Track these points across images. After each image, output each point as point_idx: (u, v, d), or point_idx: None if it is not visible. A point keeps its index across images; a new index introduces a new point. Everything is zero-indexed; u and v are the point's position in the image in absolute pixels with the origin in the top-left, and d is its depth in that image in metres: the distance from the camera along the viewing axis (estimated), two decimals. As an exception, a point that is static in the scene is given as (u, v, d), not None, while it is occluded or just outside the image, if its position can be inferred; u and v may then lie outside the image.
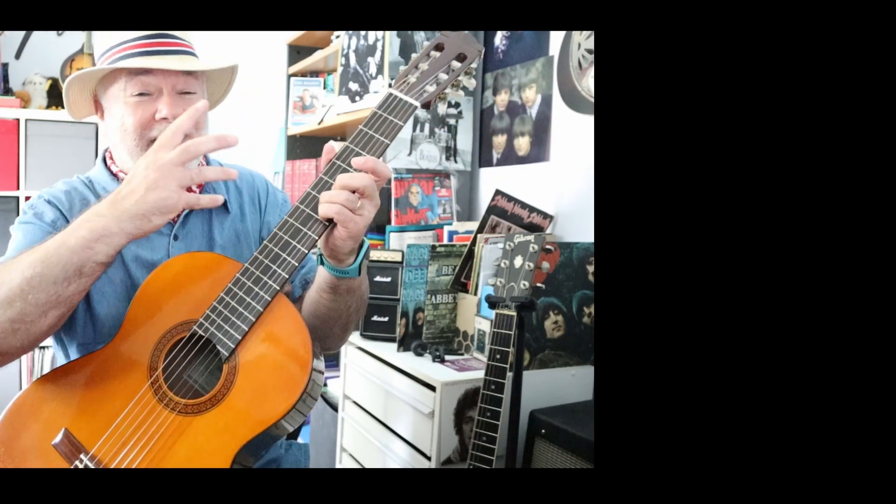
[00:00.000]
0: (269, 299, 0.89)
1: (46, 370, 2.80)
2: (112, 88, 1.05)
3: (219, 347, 0.88)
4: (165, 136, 0.88)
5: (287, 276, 0.89)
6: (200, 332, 0.90)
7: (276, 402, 0.87)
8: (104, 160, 1.13)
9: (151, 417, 0.87)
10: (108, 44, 1.05)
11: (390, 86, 1.00)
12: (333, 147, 0.94)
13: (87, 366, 0.91)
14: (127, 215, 0.85)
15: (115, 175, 1.10)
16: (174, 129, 0.89)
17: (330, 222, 0.90)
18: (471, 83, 1.00)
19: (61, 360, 1.09)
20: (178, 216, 1.09)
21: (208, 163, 1.18)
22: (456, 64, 0.98)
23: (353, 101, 2.26)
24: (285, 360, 0.89)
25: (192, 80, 1.06)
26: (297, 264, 0.90)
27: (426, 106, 0.96)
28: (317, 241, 0.91)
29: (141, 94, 1.03)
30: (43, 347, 2.84)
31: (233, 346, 0.88)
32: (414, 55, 1.01)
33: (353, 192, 0.89)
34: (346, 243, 0.92)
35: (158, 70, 1.02)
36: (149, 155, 0.87)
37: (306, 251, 0.90)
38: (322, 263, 0.98)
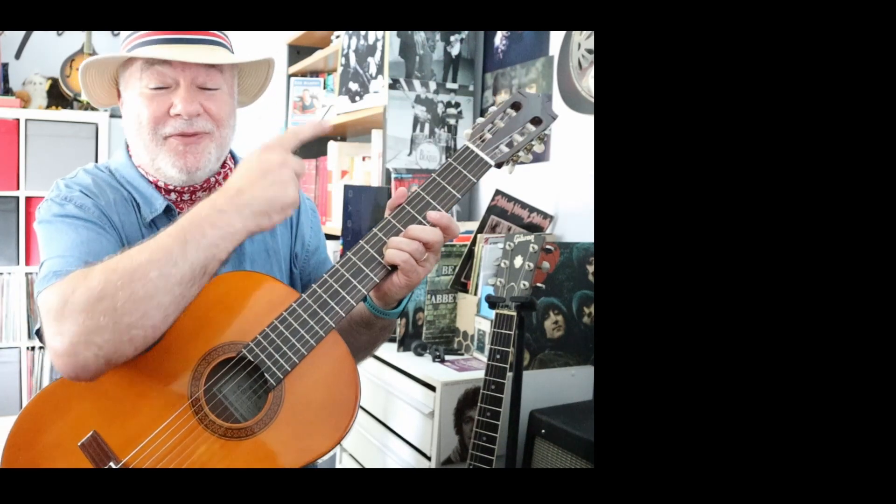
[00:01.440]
0: (324, 335, 0.87)
1: (46, 370, 2.81)
2: (130, 78, 1.00)
3: (266, 375, 0.86)
4: (283, 137, 0.87)
5: (344, 315, 0.88)
6: (250, 357, 0.87)
7: (320, 440, 0.86)
8: (128, 153, 1.07)
9: (190, 437, 0.85)
10: (128, 32, 1.00)
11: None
12: (405, 192, 0.94)
13: (123, 370, 0.87)
14: (250, 212, 0.83)
15: (136, 168, 1.04)
16: (294, 132, 0.88)
17: (393, 268, 0.90)
18: (540, 147, 0.99)
19: None
20: None
21: (237, 164, 1.10)
22: (530, 127, 0.97)
23: (353, 101, 2.26)
24: (332, 399, 0.88)
25: (215, 73, 1.00)
26: (355, 304, 0.89)
27: (499, 166, 0.96)
28: (377, 283, 0.90)
29: (158, 87, 0.98)
30: (43, 347, 2.83)
31: (281, 377, 0.86)
32: (492, 109, 1.01)
33: (423, 244, 0.89)
34: (401, 291, 0.93)
35: (177, 61, 0.97)
36: (262, 152, 0.86)
37: (366, 293, 0.89)
38: (364, 300, 0.98)
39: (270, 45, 2.98)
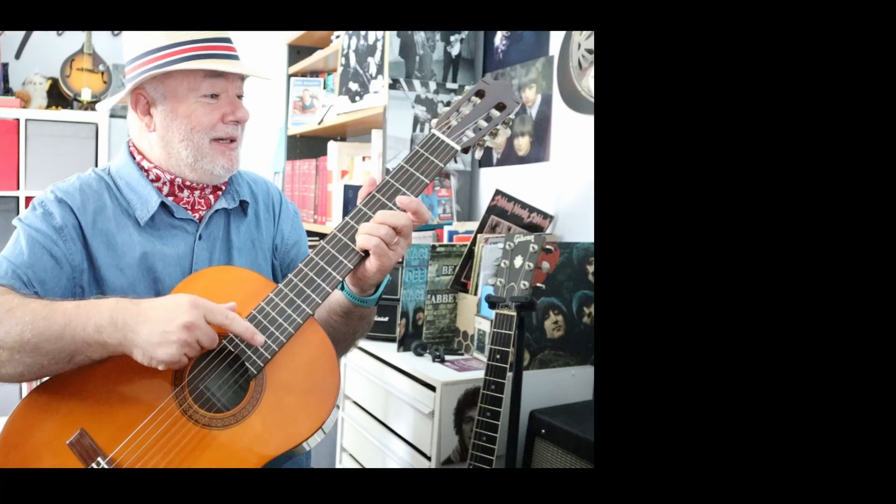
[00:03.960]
0: (301, 322, 0.90)
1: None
2: (178, 87, 1.05)
3: (247, 364, 0.89)
4: (217, 311, 0.86)
5: (321, 302, 0.92)
6: (230, 347, 0.90)
7: (302, 424, 0.88)
8: (130, 154, 1.11)
9: (175, 428, 0.87)
10: (158, 42, 1.03)
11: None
12: (375, 179, 0.99)
13: (107, 366, 0.90)
14: (133, 347, 0.85)
15: (146, 171, 1.08)
16: (228, 319, 0.86)
17: (366, 254, 0.94)
18: (506, 132, 1.03)
19: None
20: (203, 217, 1.11)
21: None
22: (495, 113, 1.02)
23: (353, 101, 2.26)
24: (313, 383, 0.91)
25: (241, 84, 1.10)
26: (330, 290, 0.92)
27: (465, 150, 1.00)
28: (351, 269, 0.94)
29: (212, 95, 1.05)
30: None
31: (262, 365, 0.89)
32: (456, 98, 1.05)
33: (392, 228, 0.93)
34: (375, 276, 0.97)
35: (229, 74, 1.06)
36: (188, 304, 0.85)
37: (341, 279, 0.93)
38: (342, 289, 1.02)
39: (270, 45, 2.98)
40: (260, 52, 2.98)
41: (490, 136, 1.01)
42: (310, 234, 1.40)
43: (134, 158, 1.10)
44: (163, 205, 1.07)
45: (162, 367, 0.85)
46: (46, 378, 0.90)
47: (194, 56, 1.03)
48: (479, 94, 1.03)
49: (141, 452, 0.85)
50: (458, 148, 0.98)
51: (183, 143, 1.06)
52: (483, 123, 1.00)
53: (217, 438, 0.87)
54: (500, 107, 1.02)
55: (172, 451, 0.85)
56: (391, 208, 0.95)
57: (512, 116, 1.02)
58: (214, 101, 1.06)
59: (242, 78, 1.10)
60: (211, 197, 1.12)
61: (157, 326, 0.83)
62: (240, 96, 1.10)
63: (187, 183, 1.09)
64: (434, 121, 1.02)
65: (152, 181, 1.08)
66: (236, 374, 0.92)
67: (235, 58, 1.08)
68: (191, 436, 0.86)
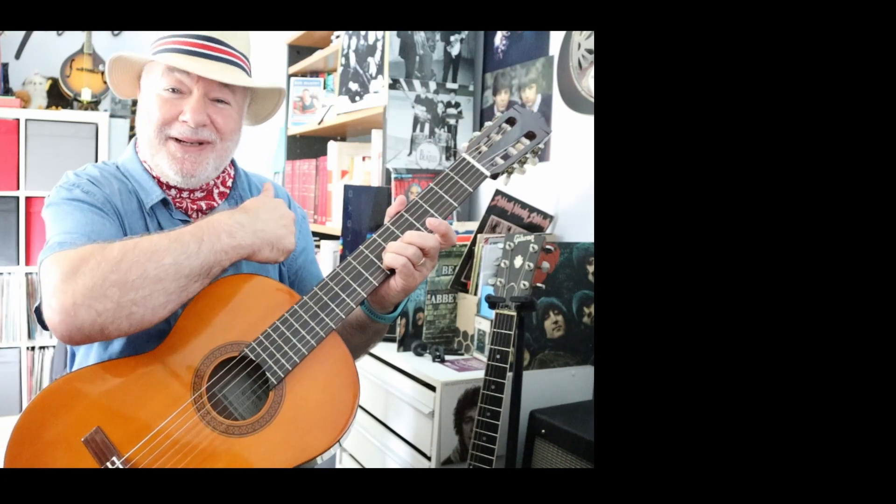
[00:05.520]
0: (324, 336, 0.91)
1: (46, 370, 2.81)
2: (150, 77, 1.05)
3: (268, 374, 0.89)
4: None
5: (344, 317, 0.92)
6: (252, 356, 0.90)
7: (319, 438, 0.88)
8: (135, 149, 1.11)
9: (192, 433, 0.86)
10: (160, 33, 1.04)
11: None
12: (404, 199, 0.99)
13: (128, 367, 0.90)
14: (261, 238, 0.95)
15: (141, 163, 1.08)
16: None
17: (391, 272, 0.95)
18: (534, 161, 1.04)
19: (78, 360, 1.07)
20: None
21: (236, 172, 1.17)
22: (525, 141, 1.03)
23: (353, 101, 2.26)
24: (331, 398, 0.91)
25: (227, 90, 1.05)
26: (354, 306, 0.93)
27: (494, 177, 1.01)
28: (376, 286, 0.95)
29: (173, 91, 1.02)
30: (43, 347, 2.84)
31: (282, 376, 0.89)
32: (487, 123, 1.06)
33: (420, 249, 0.93)
34: (398, 295, 0.97)
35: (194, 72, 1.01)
36: (277, 201, 1.00)
37: (365, 295, 0.94)
38: (362, 304, 1.01)
39: (270, 45, 2.98)
40: (260, 52, 2.98)
41: (518, 165, 1.02)
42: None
43: (137, 154, 1.10)
44: (164, 201, 1.07)
45: (284, 255, 0.97)
46: (64, 373, 0.90)
47: (169, 49, 1.02)
48: (510, 121, 1.04)
49: (157, 454, 0.85)
50: (488, 174, 0.99)
51: (143, 132, 1.06)
52: (513, 151, 1.02)
53: (233, 447, 0.87)
54: (530, 136, 1.03)
55: (188, 456, 0.85)
56: (419, 229, 0.95)
57: (542, 146, 1.03)
58: (177, 96, 1.02)
59: (225, 84, 1.03)
60: (203, 203, 1.10)
61: (278, 220, 0.97)
62: (220, 101, 1.04)
63: (171, 184, 1.07)
64: (464, 144, 1.02)
65: (153, 177, 1.08)
66: (256, 383, 0.92)
67: (223, 60, 1.03)
68: (207, 442, 0.86)
